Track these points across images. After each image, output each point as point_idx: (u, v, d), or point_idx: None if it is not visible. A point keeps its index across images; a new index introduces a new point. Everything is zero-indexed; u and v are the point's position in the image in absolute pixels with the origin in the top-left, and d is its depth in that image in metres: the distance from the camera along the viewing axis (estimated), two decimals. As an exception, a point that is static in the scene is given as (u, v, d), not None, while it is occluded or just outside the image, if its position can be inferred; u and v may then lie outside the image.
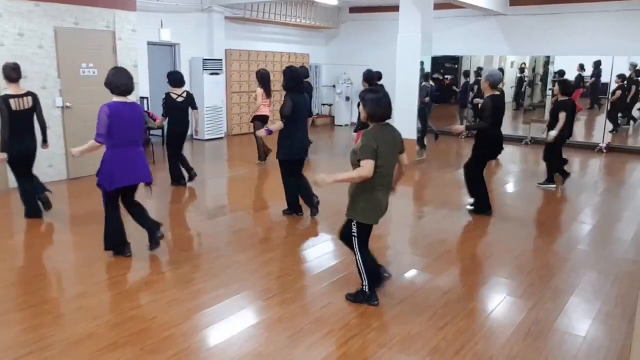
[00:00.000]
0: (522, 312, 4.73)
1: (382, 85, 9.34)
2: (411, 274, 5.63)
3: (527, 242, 6.70)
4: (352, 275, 5.42)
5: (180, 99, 8.83)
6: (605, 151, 13.29)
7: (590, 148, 13.58)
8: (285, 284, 5.22)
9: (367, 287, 4.76)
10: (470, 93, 15.61)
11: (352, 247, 4.78)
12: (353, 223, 4.66)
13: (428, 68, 11.69)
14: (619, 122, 14.19)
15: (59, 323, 4.40)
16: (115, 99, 5.48)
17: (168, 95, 8.79)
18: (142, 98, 11.45)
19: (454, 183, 9.91)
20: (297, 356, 3.96)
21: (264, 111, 10.87)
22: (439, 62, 15.81)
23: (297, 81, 7.04)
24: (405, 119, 11.41)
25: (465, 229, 7.19)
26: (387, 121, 4.56)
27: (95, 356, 3.89)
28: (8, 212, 7.56)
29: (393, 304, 4.81)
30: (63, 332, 4.22)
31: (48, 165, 9.03)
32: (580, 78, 14.27)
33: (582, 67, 14.25)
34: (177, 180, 9.21)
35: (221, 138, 14.40)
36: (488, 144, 7.33)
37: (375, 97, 4.47)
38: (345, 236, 4.87)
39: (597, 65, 14.03)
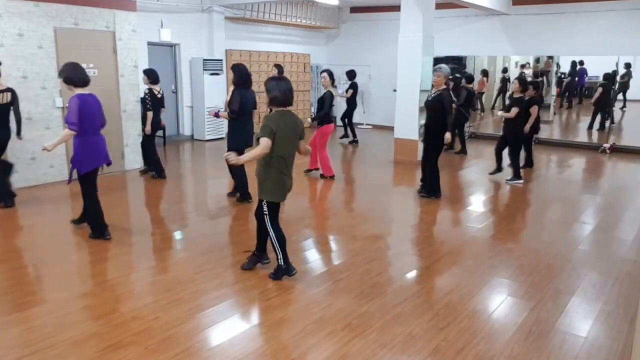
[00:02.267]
0: (523, 312, 4.74)
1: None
2: (412, 274, 5.64)
3: (528, 242, 6.72)
4: (353, 275, 5.44)
5: (159, 95, 9.43)
6: (609, 151, 13.27)
7: (594, 149, 13.57)
8: (286, 284, 5.22)
9: (282, 260, 5.24)
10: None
11: (264, 225, 5.25)
12: (263, 202, 5.16)
13: (429, 68, 11.69)
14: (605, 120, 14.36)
15: (62, 323, 4.41)
16: (79, 91, 6.04)
17: (151, 91, 9.29)
18: (142, 98, 11.42)
19: (456, 183, 9.92)
20: (299, 356, 3.97)
21: None
22: (441, 62, 15.79)
23: (246, 78, 7.76)
24: (406, 119, 11.44)
25: (466, 230, 7.19)
26: (288, 108, 5.05)
27: (97, 356, 3.90)
28: (8, 212, 7.56)
29: (394, 304, 4.82)
30: (66, 332, 4.23)
31: (49, 165, 9.04)
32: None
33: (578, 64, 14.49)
34: (160, 171, 9.76)
35: (221, 138, 14.40)
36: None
37: (275, 83, 4.97)
38: (257, 215, 5.32)
39: (574, 65, 14.23)
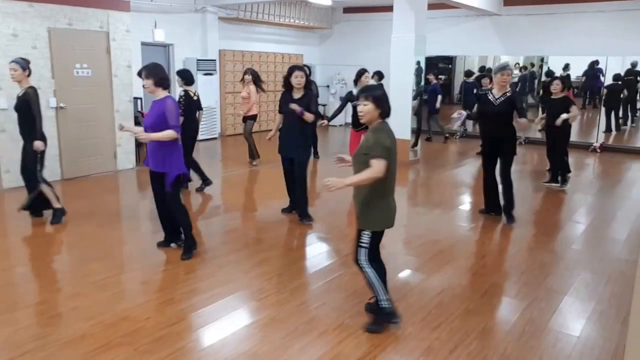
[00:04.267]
0: (516, 311, 4.74)
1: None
2: (405, 274, 5.64)
3: (521, 242, 6.72)
4: (346, 275, 5.44)
5: (195, 97, 8.68)
6: (599, 151, 13.33)
7: (584, 148, 13.61)
8: (279, 283, 5.22)
9: (385, 302, 4.30)
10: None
11: (361, 266, 4.28)
12: (364, 232, 4.22)
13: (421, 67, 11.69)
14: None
15: (53, 323, 4.40)
16: (166, 93, 5.66)
17: (187, 93, 8.56)
18: (135, 98, 11.41)
19: (447, 183, 9.93)
20: (291, 356, 3.96)
21: (255, 110, 11.04)
22: (432, 62, 15.81)
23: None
24: (398, 120, 11.41)
25: (458, 229, 7.20)
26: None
27: (89, 356, 3.88)
28: (1, 212, 7.53)
29: (387, 303, 4.81)
30: (57, 332, 4.21)
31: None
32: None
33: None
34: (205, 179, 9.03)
35: (215, 138, 14.39)
36: None
37: (384, 92, 4.24)
38: (356, 258, 4.36)
39: (591, 65, 14.23)
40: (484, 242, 6.68)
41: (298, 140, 6.95)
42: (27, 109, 6.68)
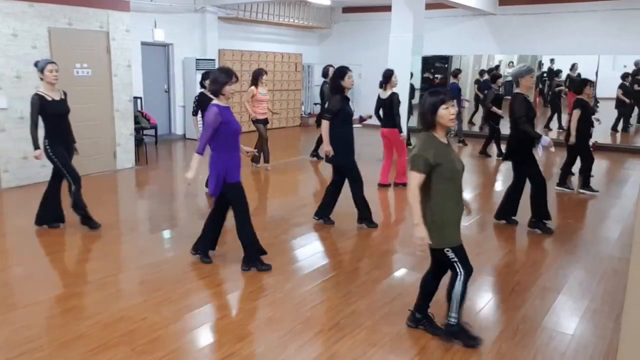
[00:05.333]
0: (510, 310, 4.77)
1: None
2: (400, 272, 5.66)
3: (515, 241, 6.75)
4: (341, 275, 5.47)
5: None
6: (592, 149, 13.29)
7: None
8: (275, 283, 5.24)
9: (456, 320, 4.12)
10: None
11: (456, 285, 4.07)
12: (446, 250, 4.07)
13: (418, 67, 11.69)
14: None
15: (50, 324, 4.42)
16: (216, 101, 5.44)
17: (202, 94, 8.51)
18: (135, 98, 11.44)
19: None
20: (288, 356, 3.99)
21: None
22: (429, 62, 15.82)
23: None
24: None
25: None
26: None
27: (85, 357, 3.90)
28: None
29: (383, 303, 4.84)
30: (53, 333, 4.23)
31: (41, 165, 8.98)
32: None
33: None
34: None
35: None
36: None
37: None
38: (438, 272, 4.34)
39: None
40: (477, 241, 6.70)
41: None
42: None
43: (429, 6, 12.06)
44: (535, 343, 4.21)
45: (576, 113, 8.60)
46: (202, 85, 8.62)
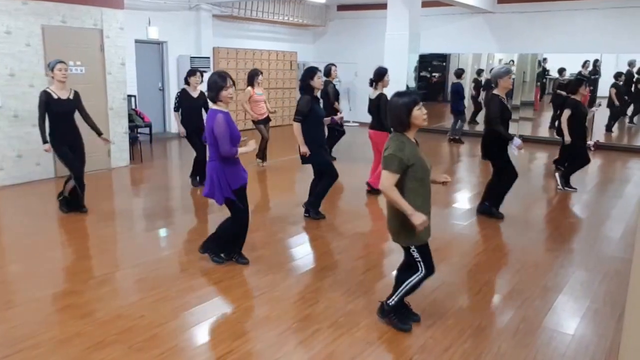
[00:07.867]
0: (510, 309, 4.74)
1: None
2: (399, 271, 5.63)
3: (515, 240, 6.72)
4: (340, 273, 5.43)
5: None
6: (593, 149, 13.34)
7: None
8: (273, 281, 5.21)
9: (395, 303, 4.30)
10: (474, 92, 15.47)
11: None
12: (412, 249, 4.17)
13: (413, 66, 11.67)
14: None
15: (47, 321, 4.38)
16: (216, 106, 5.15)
17: (184, 90, 8.68)
18: (129, 96, 11.38)
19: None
20: (286, 354, 3.95)
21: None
22: (426, 60, 15.80)
23: None
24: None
25: (453, 227, 7.19)
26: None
27: (82, 354, 3.86)
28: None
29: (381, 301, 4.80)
30: (50, 331, 4.19)
31: (35, 163, 8.96)
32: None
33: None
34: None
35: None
36: None
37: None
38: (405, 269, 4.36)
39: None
40: (478, 240, 6.68)
41: None
42: None
43: (425, 4, 12.08)
44: (536, 343, 4.19)
45: (566, 113, 8.71)
46: (186, 82, 8.73)
